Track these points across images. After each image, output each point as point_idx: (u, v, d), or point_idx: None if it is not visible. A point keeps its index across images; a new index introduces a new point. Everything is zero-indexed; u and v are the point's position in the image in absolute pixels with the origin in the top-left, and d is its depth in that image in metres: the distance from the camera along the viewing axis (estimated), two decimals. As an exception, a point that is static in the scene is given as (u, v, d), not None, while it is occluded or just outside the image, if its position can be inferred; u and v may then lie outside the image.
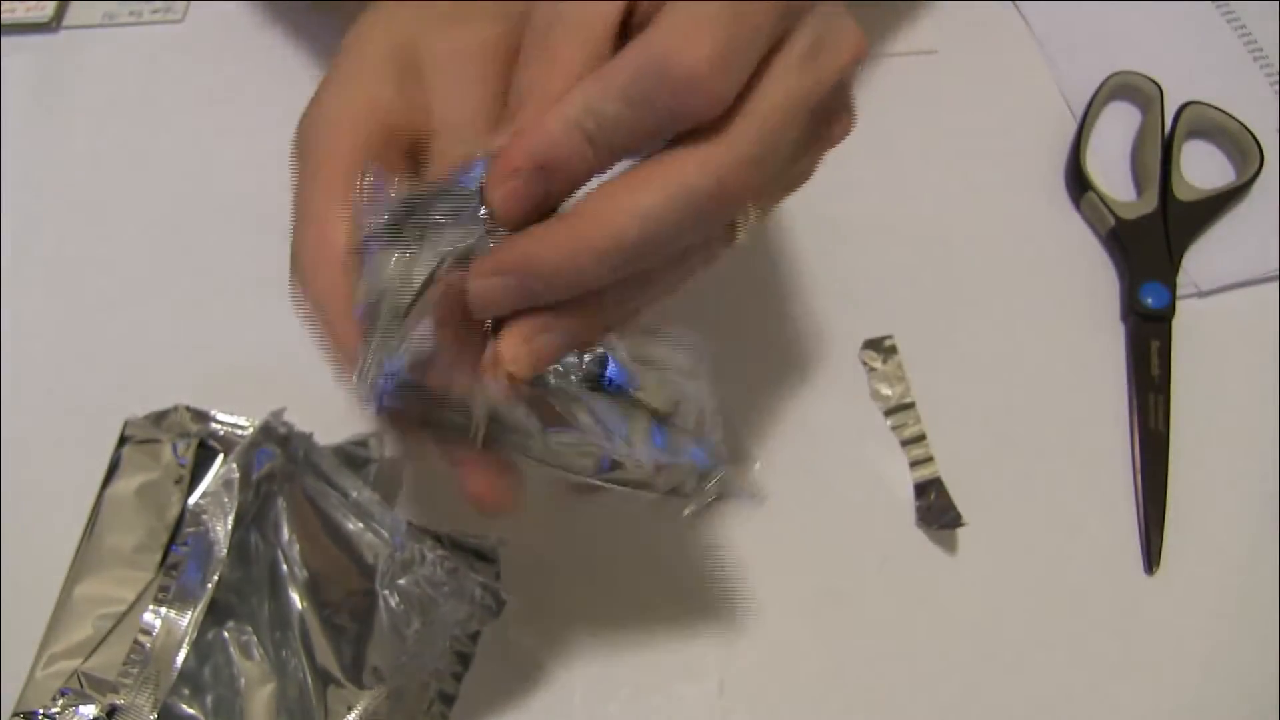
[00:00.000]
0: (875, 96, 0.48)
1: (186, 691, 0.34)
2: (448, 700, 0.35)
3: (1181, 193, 0.46)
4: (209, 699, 0.34)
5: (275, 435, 0.36)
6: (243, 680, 0.35)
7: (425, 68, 0.29)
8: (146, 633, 0.33)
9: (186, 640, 0.33)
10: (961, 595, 0.39)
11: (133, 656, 0.33)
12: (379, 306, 0.26)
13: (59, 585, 0.36)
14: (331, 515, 0.36)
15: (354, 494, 0.36)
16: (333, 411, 0.39)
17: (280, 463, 0.36)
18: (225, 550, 0.34)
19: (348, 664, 0.34)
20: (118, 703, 0.32)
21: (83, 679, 0.34)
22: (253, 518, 0.36)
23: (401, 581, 0.34)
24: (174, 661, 0.33)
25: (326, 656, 0.34)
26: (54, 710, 0.33)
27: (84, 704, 0.33)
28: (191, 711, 0.34)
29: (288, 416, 0.36)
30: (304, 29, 0.52)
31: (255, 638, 0.35)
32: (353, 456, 0.38)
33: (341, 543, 0.36)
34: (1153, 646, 0.38)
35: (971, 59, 0.51)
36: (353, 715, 0.33)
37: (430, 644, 0.34)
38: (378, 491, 0.36)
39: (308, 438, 0.36)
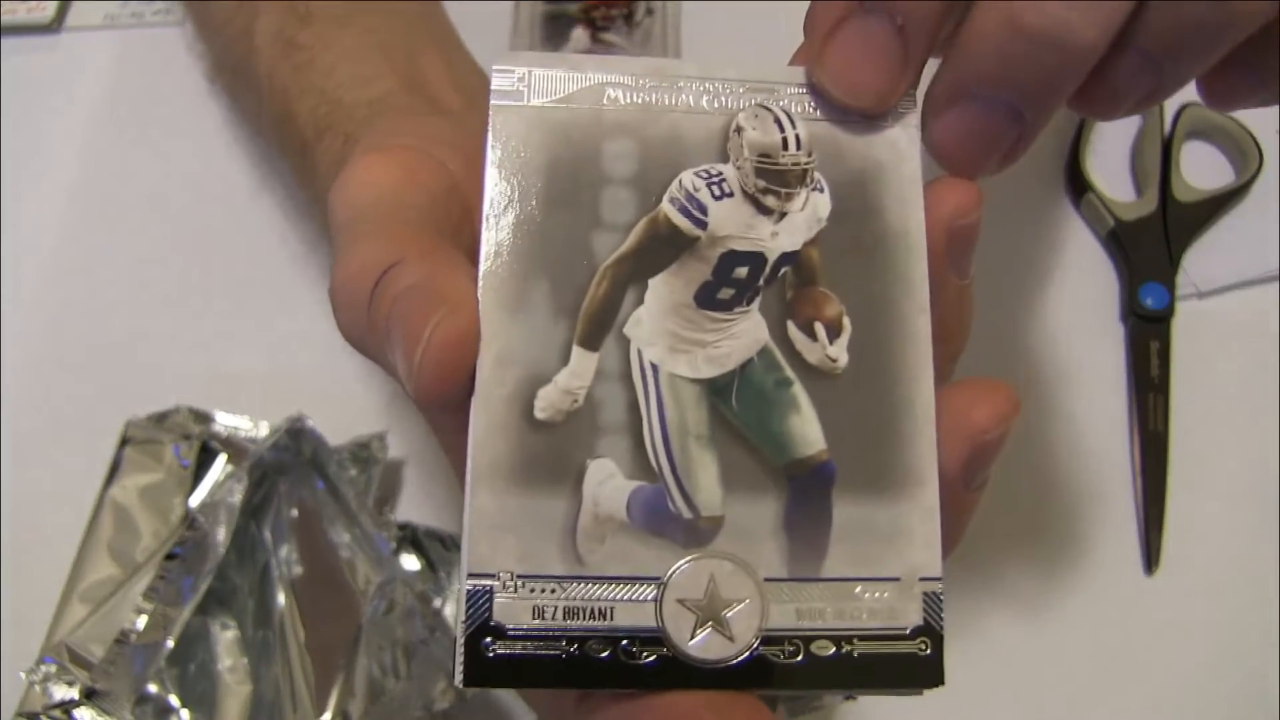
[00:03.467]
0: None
1: (167, 682, 0.34)
2: None
3: (1181, 194, 0.46)
4: (188, 691, 0.34)
5: (290, 436, 0.36)
6: (224, 676, 0.35)
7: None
8: (134, 629, 0.33)
9: (171, 638, 0.33)
10: (961, 595, 0.39)
11: (117, 646, 0.33)
12: None
13: (60, 586, 0.36)
14: (327, 530, 0.36)
15: (353, 504, 0.36)
16: (334, 412, 0.39)
17: (287, 460, 0.36)
18: (223, 552, 0.35)
19: (320, 684, 0.34)
20: (96, 687, 0.32)
21: (66, 650, 0.33)
22: (254, 513, 0.36)
23: (382, 622, 0.34)
24: (158, 656, 0.33)
25: (302, 671, 0.34)
26: (50, 694, 0.33)
27: (65, 679, 0.33)
28: (171, 701, 0.34)
29: (288, 416, 0.36)
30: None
31: (239, 634, 0.35)
32: (356, 457, 0.38)
33: (333, 560, 0.36)
34: (1153, 646, 0.38)
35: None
36: (326, 716, 0.33)
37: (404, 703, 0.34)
38: (381, 491, 0.36)
39: (317, 437, 0.37)
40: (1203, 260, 0.45)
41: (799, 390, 0.21)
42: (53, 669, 0.33)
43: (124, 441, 0.39)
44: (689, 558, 0.20)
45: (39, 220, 0.48)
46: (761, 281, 0.22)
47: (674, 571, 0.20)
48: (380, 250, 0.22)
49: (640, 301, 0.21)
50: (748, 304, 0.22)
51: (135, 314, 0.45)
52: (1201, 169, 0.47)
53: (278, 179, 0.48)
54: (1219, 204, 0.46)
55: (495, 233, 0.21)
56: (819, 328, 0.22)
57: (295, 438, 0.37)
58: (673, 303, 0.21)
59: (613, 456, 0.21)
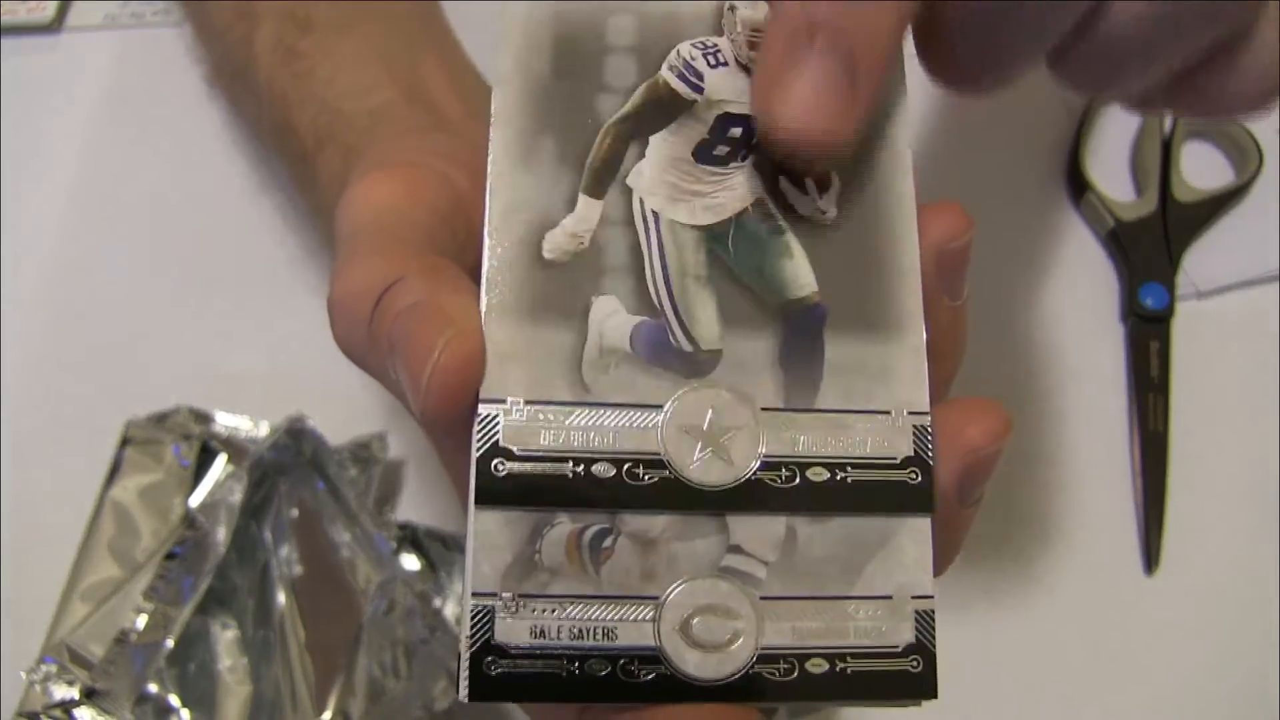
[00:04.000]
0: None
1: (167, 682, 0.34)
2: None
3: (1181, 193, 0.46)
4: (188, 691, 0.34)
5: (290, 436, 0.36)
6: (224, 676, 0.35)
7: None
8: (134, 628, 0.33)
9: (172, 638, 0.33)
10: (961, 595, 0.39)
11: (117, 646, 0.33)
12: None
13: (60, 587, 0.36)
14: (327, 530, 0.36)
15: (353, 504, 0.36)
16: (334, 412, 0.39)
17: (287, 460, 0.36)
18: (223, 552, 0.35)
19: (320, 684, 0.34)
20: (96, 687, 0.32)
21: (66, 650, 0.33)
22: (254, 513, 0.36)
23: (383, 621, 0.34)
24: (158, 656, 0.33)
25: (303, 671, 0.34)
26: (50, 693, 0.33)
27: (65, 679, 0.33)
28: (170, 701, 0.34)
29: (288, 416, 0.36)
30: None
31: (239, 634, 0.35)
32: (356, 457, 0.38)
33: (333, 560, 0.36)
34: (1153, 646, 0.38)
35: (971, 60, 0.51)
36: (326, 716, 0.33)
37: (405, 703, 0.34)
38: (381, 491, 0.36)
39: (318, 437, 0.37)
40: (1203, 260, 0.45)
41: (791, 238, 0.22)
42: (53, 669, 0.33)
43: (124, 441, 0.39)
44: (689, 387, 0.21)
45: (39, 220, 0.48)
46: (755, 140, 0.23)
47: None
48: (380, 267, 0.23)
49: (642, 157, 0.22)
50: (742, 160, 0.23)
51: (135, 314, 0.45)
52: (1201, 169, 0.47)
53: (277, 180, 0.48)
54: (1219, 204, 0.46)
55: (505, 97, 0.22)
56: (809, 182, 0.23)
57: (295, 438, 0.37)
58: (672, 157, 0.22)
59: (617, 294, 0.22)
